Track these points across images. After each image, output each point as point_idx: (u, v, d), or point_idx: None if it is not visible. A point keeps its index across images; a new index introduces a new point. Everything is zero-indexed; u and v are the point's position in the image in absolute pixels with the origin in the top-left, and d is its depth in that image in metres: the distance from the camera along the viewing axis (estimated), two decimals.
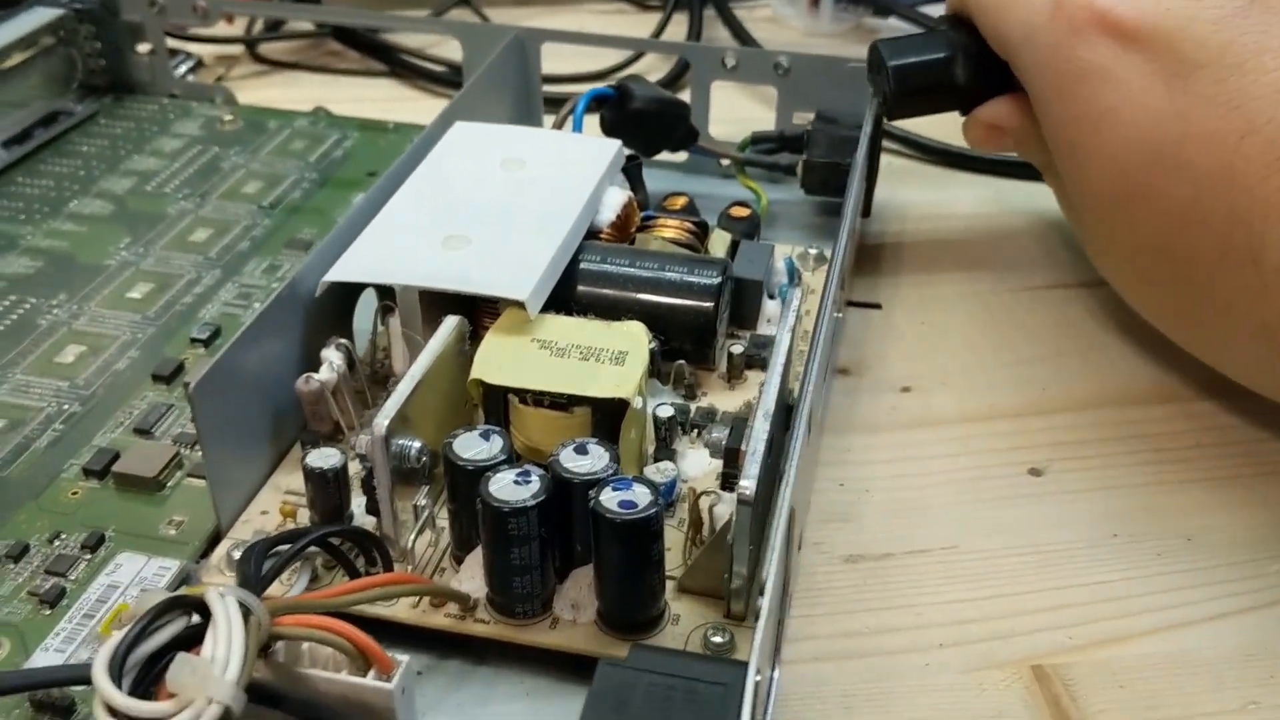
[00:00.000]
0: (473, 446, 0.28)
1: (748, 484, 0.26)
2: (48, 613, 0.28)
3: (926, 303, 0.41)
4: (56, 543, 0.30)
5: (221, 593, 0.23)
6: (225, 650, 0.22)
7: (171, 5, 0.50)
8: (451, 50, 0.59)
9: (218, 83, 0.55)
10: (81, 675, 0.22)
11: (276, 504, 0.31)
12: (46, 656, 0.27)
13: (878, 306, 0.41)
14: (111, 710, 0.21)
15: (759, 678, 0.21)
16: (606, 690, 0.21)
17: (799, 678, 0.28)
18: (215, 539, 0.31)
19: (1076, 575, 0.31)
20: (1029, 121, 0.38)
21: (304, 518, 0.30)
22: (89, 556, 0.30)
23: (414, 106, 0.57)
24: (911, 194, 0.48)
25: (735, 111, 0.51)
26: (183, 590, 0.24)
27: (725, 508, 0.28)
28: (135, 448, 0.33)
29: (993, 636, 0.29)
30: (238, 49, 0.60)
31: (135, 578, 0.29)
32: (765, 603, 0.22)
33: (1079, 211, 0.37)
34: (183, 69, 0.56)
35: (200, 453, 0.33)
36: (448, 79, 0.58)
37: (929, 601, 0.30)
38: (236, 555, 0.29)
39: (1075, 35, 0.34)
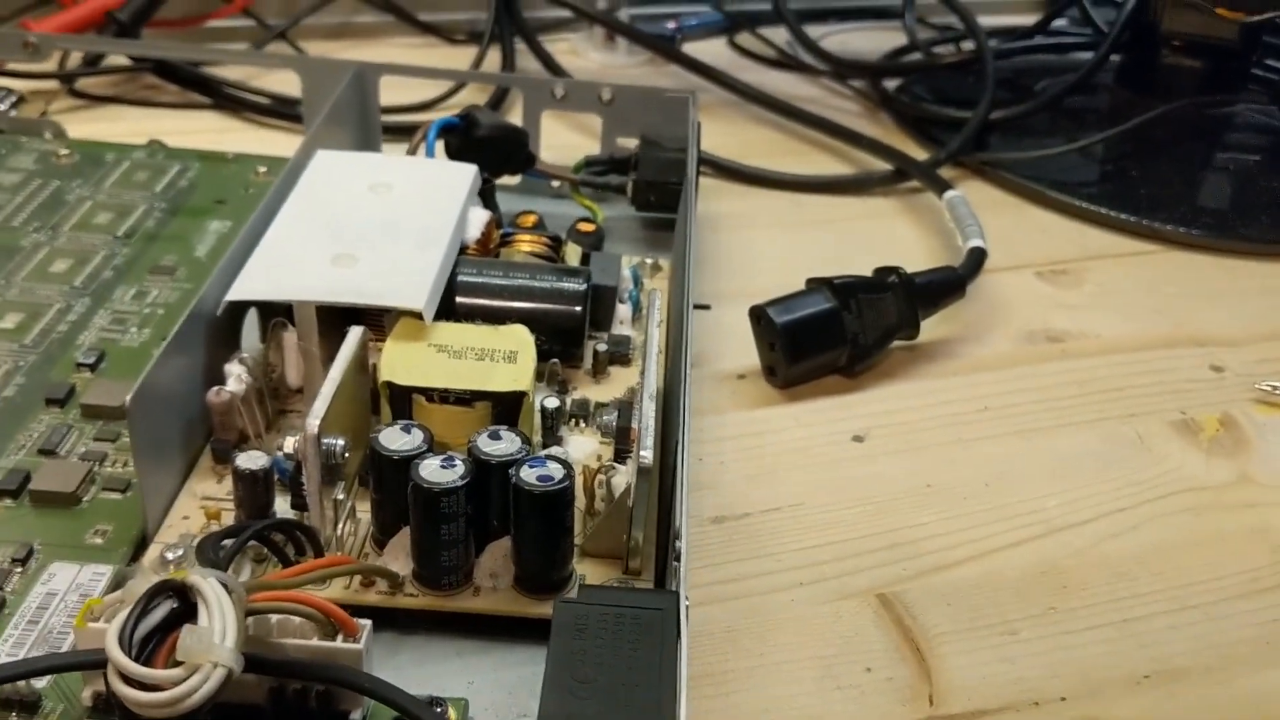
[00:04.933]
0: (397, 439, 0.31)
1: (646, 454, 0.30)
2: None
3: (749, 301, 0.46)
4: None
5: (204, 575, 0.26)
6: (220, 622, 0.25)
7: (1, 40, 0.51)
8: (271, 82, 0.61)
9: (43, 117, 0.56)
10: (97, 657, 0.24)
11: (195, 509, 0.34)
12: None
13: (708, 307, 0.47)
14: (127, 680, 0.24)
15: (688, 601, 0.26)
16: (566, 621, 0.25)
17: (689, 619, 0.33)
18: (142, 544, 0.33)
19: (902, 519, 0.37)
20: None
21: (227, 519, 0.33)
22: (20, 569, 0.32)
23: (241, 137, 0.59)
24: (722, 207, 0.54)
25: (558, 139, 0.55)
26: (167, 576, 0.26)
27: (621, 479, 0.32)
28: (46, 467, 0.35)
29: (842, 574, 0.35)
30: (53, 84, 0.60)
31: (72, 584, 0.31)
32: (683, 543, 0.27)
33: None
34: (4, 105, 0.56)
35: (111, 467, 0.35)
36: (274, 110, 0.60)
37: (786, 550, 0.35)
38: (169, 556, 0.31)
39: None
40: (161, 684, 0.24)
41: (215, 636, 0.25)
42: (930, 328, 0.45)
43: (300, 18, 0.67)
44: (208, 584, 0.26)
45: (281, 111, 0.59)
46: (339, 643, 0.27)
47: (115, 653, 0.24)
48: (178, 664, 0.25)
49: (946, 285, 0.45)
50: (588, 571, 0.32)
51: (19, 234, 0.46)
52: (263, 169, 0.51)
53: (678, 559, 0.27)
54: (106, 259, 0.45)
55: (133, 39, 0.60)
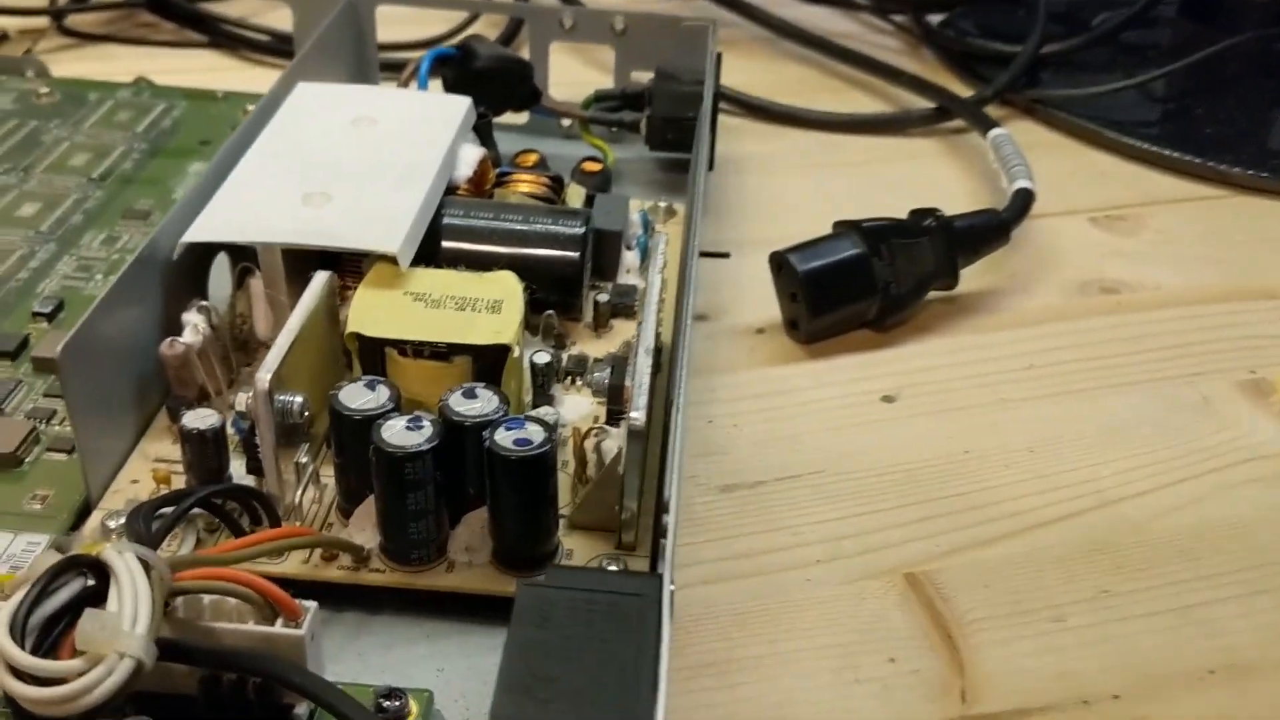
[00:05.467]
0: (359, 397, 0.28)
1: (638, 415, 0.27)
2: None
3: (773, 248, 0.43)
4: None
5: (119, 549, 0.23)
6: (132, 604, 0.22)
7: None
8: (274, 19, 0.58)
9: (27, 55, 0.53)
10: None
11: (146, 472, 0.30)
12: None
13: (727, 255, 0.43)
14: (16, 673, 0.21)
15: (673, 586, 0.22)
16: (528, 608, 0.21)
17: (691, 600, 0.29)
18: (85, 511, 0.30)
19: (936, 489, 0.33)
20: None
21: (179, 484, 0.30)
22: None
23: (238, 76, 0.55)
24: (747, 147, 0.50)
25: (570, 74, 0.51)
26: (79, 550, 0.23)
27: (613, 443, 0.29)
28: None
29: (866, 550, 0.31)
30: (43, 21, 0.57)
31: (3, 554, 0.28)
32: (671, 518, 0.23)
33: None
34: None
35: (59, 426, 0.32)
36: (272, 47, 0.56)
37: (804, 522, 0.32)
38: (111, 525, 0.28)
39: None
40: (64, 676, 0.21)
41: (124, 622, 0.21)
42: (971, 277, 0.41)
43: None
44: (122, 560, 0.22)
45: (280, 49, 0.56)
46: (278, 628, 0.24)
47: (2, 640, 0.21)
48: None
49: (989, 230, 0.40)
50: (576, 545, 0.29)
51: None
52: (252, 107, 0.47)
53: (664, 535, 0.23)
54: (77, 202, 0.41)
55: None
